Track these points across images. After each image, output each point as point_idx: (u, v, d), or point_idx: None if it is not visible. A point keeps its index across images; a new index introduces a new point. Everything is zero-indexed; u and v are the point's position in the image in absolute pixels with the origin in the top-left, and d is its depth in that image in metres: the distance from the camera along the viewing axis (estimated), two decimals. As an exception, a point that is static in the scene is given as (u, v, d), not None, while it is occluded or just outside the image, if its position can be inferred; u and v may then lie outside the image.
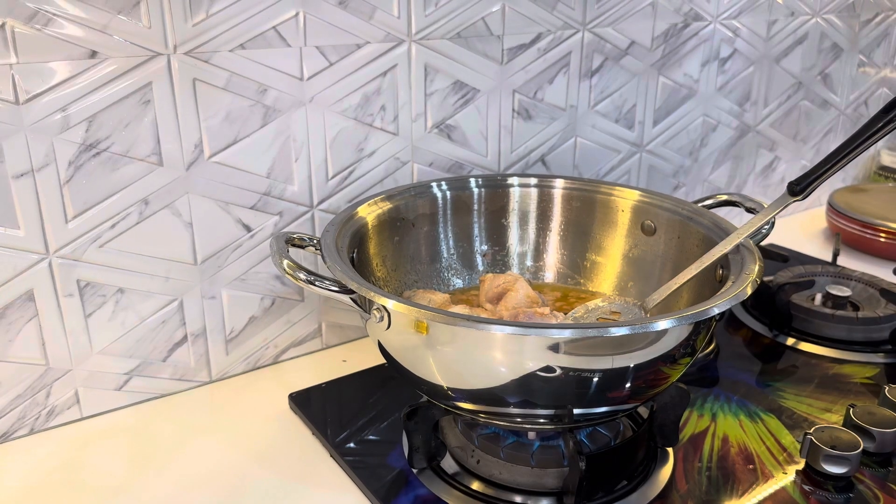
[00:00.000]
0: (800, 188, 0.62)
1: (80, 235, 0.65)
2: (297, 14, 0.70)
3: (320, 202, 0.78)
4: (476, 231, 0.79)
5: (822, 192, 1.26)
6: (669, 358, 0.54)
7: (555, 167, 0.95)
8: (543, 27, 0.87)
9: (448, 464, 0.63)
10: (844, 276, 0.95)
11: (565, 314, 0.68)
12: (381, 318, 0.54)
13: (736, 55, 1.09)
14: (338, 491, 0.62)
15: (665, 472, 0.63)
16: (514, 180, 0.80)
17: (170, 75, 0.65)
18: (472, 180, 0.79)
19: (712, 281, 0.64)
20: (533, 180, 0.80)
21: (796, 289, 0.91)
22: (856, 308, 0.89)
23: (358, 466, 0.63)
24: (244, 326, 0.77)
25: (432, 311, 0.51)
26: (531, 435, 0.62)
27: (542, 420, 0.57)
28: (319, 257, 0.62)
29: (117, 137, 0.64)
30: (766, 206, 0.65)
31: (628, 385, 0.55)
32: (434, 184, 0.77)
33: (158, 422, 0.71)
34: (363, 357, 0.81)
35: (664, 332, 0.52)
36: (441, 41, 0.80)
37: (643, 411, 0.67)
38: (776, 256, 0.90)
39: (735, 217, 0.81)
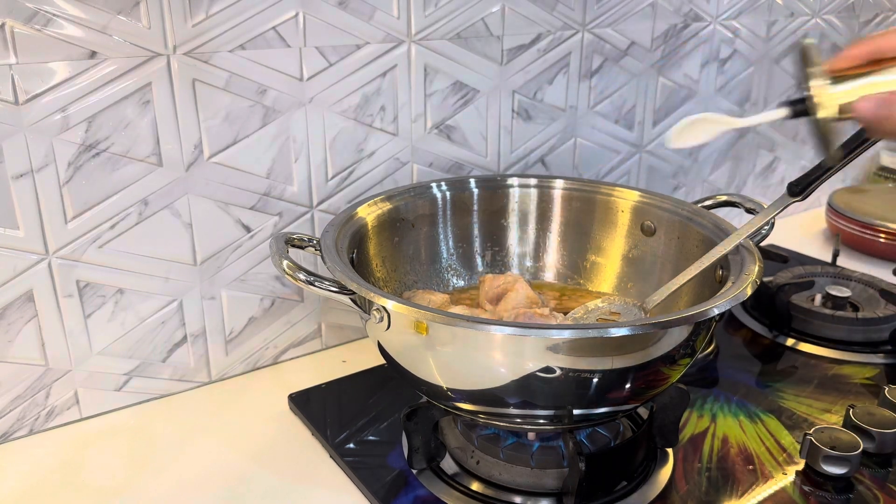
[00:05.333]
0: (799, 189, 0.62)
1: (80, 236, 0.65)
2: (296, 14, 0.70)
3: (320, 203, 0.78)
4: (476, 232, 0.79)
5: (822, 193, 1.25)
6: (669, 358, 0.54)
7: (554, 168, 0.95)
8: (543, 28, 0.87)
9: (448, 464, 0.63)
10: (844, 277, 0.95)
11: (565, 315, 0.68)
12: (381, 319, 0.54)
13: (736, 56, 1.09)
14: (337, 491, 0.62)
15: (665, 473, 0.63)
16: (513, 181, 0.80)
17: (169, 76, 0.65)
18: (472, 181, 0.79)
19: (712, 281, 0.64)
20: (532, 181, 0.80)
21: (796, 289, 0.91)
22: (855, 308, 0.89)
23: (357, 467, 0.63)
24: (244, 327, 0.77)
25: (432, 312, 0.51)
26: (531, 435, 0.62)
27: (541, 421, 0.57)
28: (319, 258, 0.62)
29: (117, 138, 0.64)
30: (765, 206, 0.65)
31: (628, 386, 0.55)
32: (434, 184, 0.77)
33: (158, 422, 0.71)
34: (363, 357, 0.81)
35: (664, 332, 0.52)
36: (441, 42, 0.80)
37: (643, 412, 0.67)
38: (776, 257, 0.90)
39: (735, 217, 0.81)
